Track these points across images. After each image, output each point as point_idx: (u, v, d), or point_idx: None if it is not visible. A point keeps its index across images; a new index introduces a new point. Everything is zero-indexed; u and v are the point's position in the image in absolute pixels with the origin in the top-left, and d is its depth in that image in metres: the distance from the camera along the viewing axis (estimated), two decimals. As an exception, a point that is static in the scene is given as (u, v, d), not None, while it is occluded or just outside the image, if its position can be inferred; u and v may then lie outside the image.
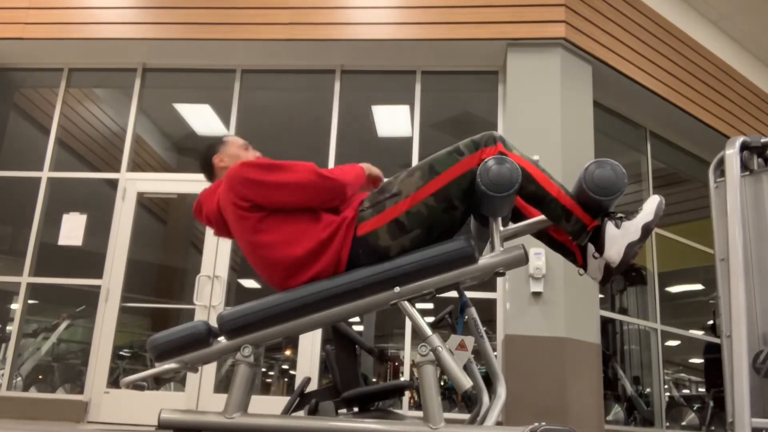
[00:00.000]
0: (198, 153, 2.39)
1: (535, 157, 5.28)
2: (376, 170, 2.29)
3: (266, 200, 2.02)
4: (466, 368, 2.94)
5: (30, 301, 5.99)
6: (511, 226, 2.14)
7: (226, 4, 5.91)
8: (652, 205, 1.90)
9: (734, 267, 2.35)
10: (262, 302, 2.00)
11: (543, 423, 1.77)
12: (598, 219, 1.93)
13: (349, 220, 2.02)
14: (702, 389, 7.81)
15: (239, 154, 2.33)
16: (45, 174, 6.19)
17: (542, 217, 2.12)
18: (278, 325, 1.99)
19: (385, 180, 2.20)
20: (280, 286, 2.07)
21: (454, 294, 2.81)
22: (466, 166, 1.97)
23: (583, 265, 2.09)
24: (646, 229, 1.87)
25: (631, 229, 1.88)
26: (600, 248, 1.92)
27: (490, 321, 5.54)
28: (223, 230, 2.20)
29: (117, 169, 6.13)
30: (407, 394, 5.41)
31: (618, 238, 1.88)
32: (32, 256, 5.98)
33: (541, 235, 2.20)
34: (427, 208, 1.97)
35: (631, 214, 1.92)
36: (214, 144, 2.38)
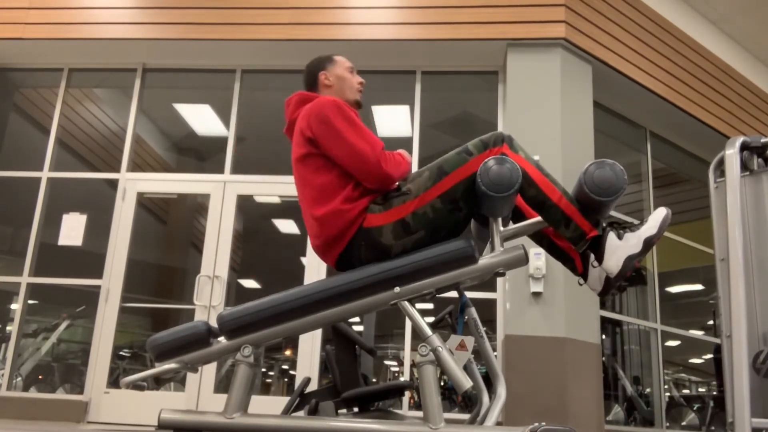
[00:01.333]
0: (307, 64, 2.42)
1: (536, 157, 5.27)
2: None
3: (325, 142, 2.05)
4: (466, 368, 2.94)
5: (30, 301, 5.98)
6: (512, 226, 2.14)
7: (226, 4, 5.91)
8: (657, 218, 1.89)
9: (734, 267, 2.36)
10: (262, 302, 2.00)
11: (543, 423, 1.77)
12: (599, 228, 1.93)
13: (361, 208, 2.02)
14: (702, 389, 7.80)
15: (345, 76, 2.37)
16: (45, 174, 6.19)
17: (542, 217, 2.11)
18: (278, 325, 1.99)
19: None
20: (306, 211, 2.14)
21: (454, 294, 2.81)
22: (474, 166, 1.97)
23: (583, 273, 2.08)
24: (648, 243, 1.86)
25: (633, 241, 1.87)
26: (600, 257, 1.92)
27: (490, 321, 5.53)
28: (290, 133, 2.30)
29: (117, 169, 6.13)
30: (407, 394, 5.41)
31: (618, 249, 1.88)
32: (32, 256, 5.98)
33: (542, 240, 2.19)
34: (434, 210, 1.98)
35: (635, 225, 1.91)
36: (323, 59, 2.40)
